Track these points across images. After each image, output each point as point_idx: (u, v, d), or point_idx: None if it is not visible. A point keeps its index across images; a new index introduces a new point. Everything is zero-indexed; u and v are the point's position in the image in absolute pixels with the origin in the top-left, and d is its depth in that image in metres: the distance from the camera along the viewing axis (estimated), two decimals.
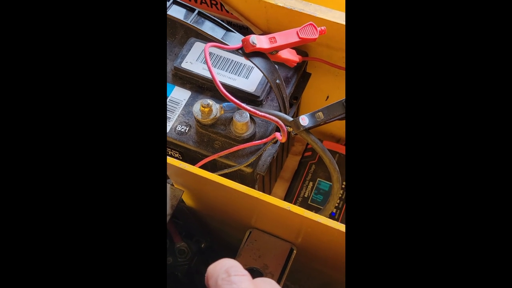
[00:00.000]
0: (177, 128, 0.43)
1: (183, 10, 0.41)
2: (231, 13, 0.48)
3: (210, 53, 0.46)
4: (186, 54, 0.46)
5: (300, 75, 0.47)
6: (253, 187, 0.45)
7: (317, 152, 0.40)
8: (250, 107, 0.39)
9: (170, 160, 0.35)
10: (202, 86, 0.46)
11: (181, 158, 0.45)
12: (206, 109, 0.41)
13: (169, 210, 0.40)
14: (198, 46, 0.47)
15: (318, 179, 0.58)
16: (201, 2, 0.50)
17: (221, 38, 0.40)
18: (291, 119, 0.40)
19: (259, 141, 0.41)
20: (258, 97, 0.44)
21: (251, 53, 0.40)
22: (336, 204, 0.56)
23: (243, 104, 0.39)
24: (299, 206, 0.56)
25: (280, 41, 0.40)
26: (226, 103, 0.42)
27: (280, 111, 0.42)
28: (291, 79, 0.46)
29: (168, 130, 0.43)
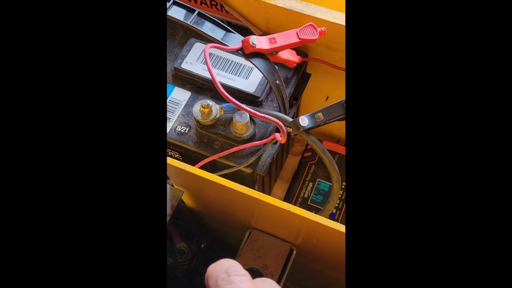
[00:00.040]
0: (177, 129, 0.43)
1: (183, 11, 0.41)
2: (231, 14, 0.48)
3: (210, 54, 0.46)
4: (186, 55, 0.46)
5: (300, 75, 0.47)
6: (253, 187, 0.45)
7: (316, 152, 0.41)
8: (250, 108, 0.39)
9: (170, 160, 0.35)
10: (202, 87, 0.46)
11: (181, 158, 0.46)
12: (206, 110, 0.41)
13: (169, 211, 0.41)
14: (198, 47, 0.47)
15: (318, 179, 0.58)
16: (201, 3, 0.50)
17: (221, 39, 0.40)
18: (291, 119, 0.40)
19: (259, 141, 0.41)
20: (258, 97, 0.44)
21: (251, 54, 0.40)
22: (336, 205, 0.56)
23: (242, 105, 0.39)
24: (299, 206, 0.56)
25: (280, 42, 0.40)
26: (226, 104, 0.42)
27: (280, 111, 0.42)
28: (291, 80, 0.46)
29: (168, 131, 0.43)
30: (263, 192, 0.52)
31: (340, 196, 0.57)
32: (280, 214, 0.34)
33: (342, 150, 0.60)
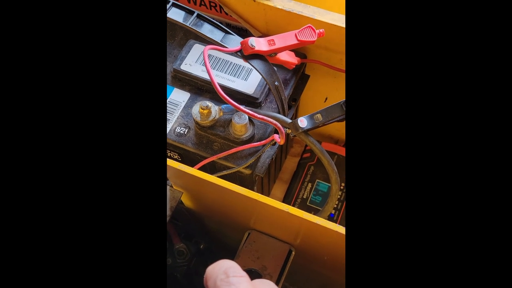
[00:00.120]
0: (176, 130, 0.43)
1: (182, 13, 0.41)
2: (230, 16, 0.48)
3: (209, 55, 0.46)
4: (185, 56, 0.46)
5: (299, 77, 0.48)
6: (252, 188, 0.45)
7: (315, 153, 0.41)
8: (249, 110, 0.40)
9: (169, 161, 0.36)
10: (201, 88, 0.46)
11: (180, 159, 0.46)
12: (205, 111, 0.41)
13: (168, 212, 0.41)
14: (197, 48, 0.47)
15: (317, 180, 0.59)
16: (200, 4, 0.50)
17: (220, 41, 0.40)
18: (289, 121, 0.40)
19: (258, 142, 0.41)
20: (257, 99, 0.44)
21: (250, 56, 0.40)
22: (335, 205, 0.57)
23: (241, 107, 0.39)
24: (298, 207, 0.56)
25: (279, 43, 0.40)
26: (225, 105, 0.42)
27: (279, 113, 0.42)
28: (289, 81, 0.46)
29: (167, 132, 0.43)
30: (262, 193, 0.52)
31: (339, 197, 0.57)
32: (279, 215, 0.34)
33: (341, 151, 0.60)
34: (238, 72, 0.45)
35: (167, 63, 0.47)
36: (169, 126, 0.44)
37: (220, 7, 0.48)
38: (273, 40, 0.40)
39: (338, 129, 0.61)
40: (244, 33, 0.50)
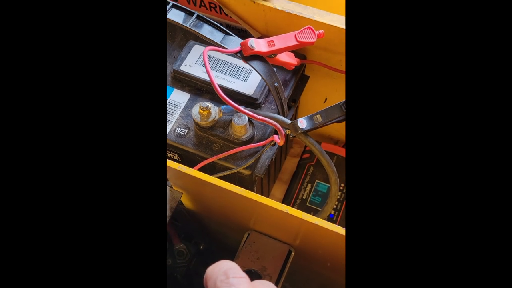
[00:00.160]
0: (176, 131, 0.44)
1: (182, 14, 0.41)
2: (230, 16, 0.48)
3: (209, 56, 0.46)
4: (185, 57, 0.46)
5: (299, 78, 0.48)
6: (251, 189, 0.45)
7: (315, 154, 0.41)
8: (248, 110, 0.40)
9: (169, 162, 0.36)
10: (201, 89, 0.46)
11: (180, 160, 0.46)
12: (205, 112, 0.41)
13: (168, 212, 0.41)
14: (197, 49, 0.47)
15: (317, 181, 0.59)
16: (200, 5, 0.50)
17: (220, 42, 0.40)
18: (289, 121, 0.40)
19: (258, 143, 0.42)
20: (257, 99, 0.44)
21: (250, 57, 0.40)
22: (334, 206, 0.57)
23: (241, 108, 0.39)
24: (297, 208, 0.57)
25: (278, 44, 0.40)
26: (224, 106, 0.42)
27: (279, 113, 0.42)
28: (289, 82, 0.46)
29: (167, 133, 0.44)
30: (262, 193, 0.52)
31: (338, 197, 0.57)
32: (278, 216, 0.34)
33: (340, 151, 0.60)
34: (238, 73, 0.45)
35: (167, 64, 0.47)
36: (169, 127, 0.44)
37: (220, 8, 0.48)
38: (272, 41, 0.40)
39: (338, 129, 0.61)
40: (243, 34, 0.50)
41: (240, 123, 0.41)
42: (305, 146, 0.63)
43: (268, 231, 0.41)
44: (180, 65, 0.46)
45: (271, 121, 0.40)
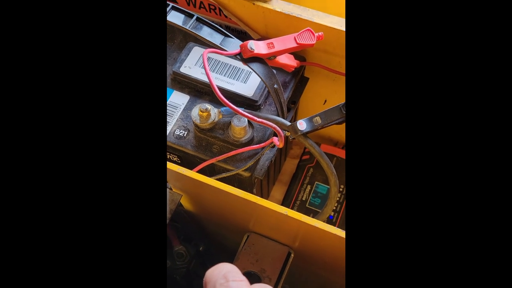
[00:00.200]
0: (175, 132, 0.44)
1: (182, 16, 0.41)
2: (230, 18, 0.48)
3: (209, 58, 0.46)
4: (185, 59, 0.46)
5: (298, 79, 0.48)
6: (251, 190, 0.45)
7: (314, 156, 0.41)
8: (248, 113, 0.40)
9: (168, 164, 0.36)
10: (200, 91, 0.46)
11: (179, 162, 0.46)
12: (205, 114, 0.41)
13: (167, 214, 0.41)
14: (197, 51, 0.47)
15: (316, 182, 0.59)
16: (200, 7, 0.50)
17: (220, 44, 0.40)
18: (289, 123, 0.40)
19: (257, 145, 0.42)
20: (256, 101, 0.44)
21: (249, 59, 0.40)
22: (334, 208, 0.57)
23: (240, 110, 0.39)
24: (297, 209, 0.57)
25: (278, 46, 0.40)
26: (224, 108, 0.42)
27: (278, 115, 0.42)
28: (289, 84, 0.46)
29: (166, 134, 0.44)
30: (261, 195, 0.52)
31: (337, 199, 0.57)
32: (278, 218, 0.35)
33: (340, 153, 0.60)
34: (238, 75, 0.45)
35: (167, 65, 0.47)
36: (168, 129, 0.44)
37: (220, 9, 0.48)
38: (272, 43, 0.40)
39: (337, 131, 0.61)
40: (243, 35, 0.50)
41: (240, 125, 0.41)
42: (305, 148, 0.63)
43: (267, 233, 0.41)
44: (179, 66, 0.46)
45: (270, 123, 0.40)
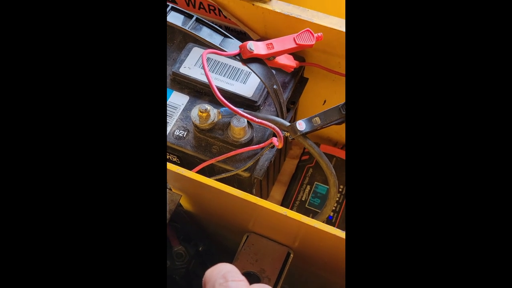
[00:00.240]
0: (175, 133, 0.44)
1: (181, 17, 0.41)
2: (229, 19, 0.49)
3: (208, 58, 0.46)
4: (184, 59, 0.46)
5: (297, 80, 0.48)
6: (250, 191, 0.45)
7: (314, 156, 0.41)
8: (247, 113, 0.40)
9: (168, 165, 0.36)
10: (200, 91, 0.46)
11: (179, 162, 0.46)
12: (204, 114, 0.41)
13: (167, 215, 0.41)
14: (196, 51, 0.47)
15: (316, 182, 0.59)
16: (199, 8, 0.50)
17: (219, 44, 0.41)
18: (288, 124, 0.40)
19: (257, 145, 0.42)
20: (256, 102, 0.44)
21: (249, 59, 0.40)
22: (333, 208, 0.57)
23: (239, 110, 0.39)
24: (296, 209, 0.57)
25: (277, 47, 0.41)
26: (223, 108, 0.42)
27: (278, 116, 0.42)
28: (288, 84, 0.46)
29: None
30: (261, 195, 0.52)
31: (337, 199, 0.57)
32: (277, 218, 0.35)
33: (339, 153, 0.60)
34: (237, 75, 0.45)
35: (167, 66, 0.48)
36: (168, 129, 0.44)
37: (219, 10, 0.49)
38: (271, 43, 0.41)
39: (337, 131, 0.61)
40: (243, 36, 0.50)
41: (239, 125, 0.41)
42: (304, 148, 0.63)
43: (267, 233, 0.41)
44: (179, 67, 0.46)
45: (269, 124, 0.40)
